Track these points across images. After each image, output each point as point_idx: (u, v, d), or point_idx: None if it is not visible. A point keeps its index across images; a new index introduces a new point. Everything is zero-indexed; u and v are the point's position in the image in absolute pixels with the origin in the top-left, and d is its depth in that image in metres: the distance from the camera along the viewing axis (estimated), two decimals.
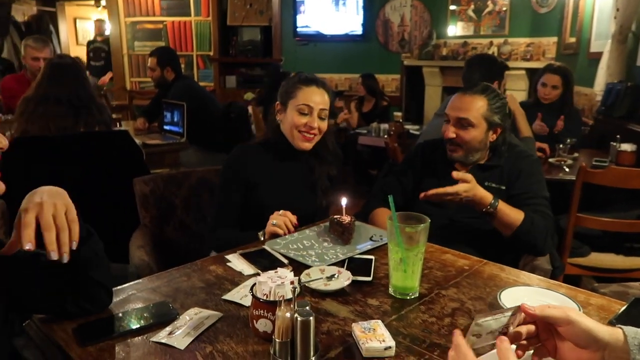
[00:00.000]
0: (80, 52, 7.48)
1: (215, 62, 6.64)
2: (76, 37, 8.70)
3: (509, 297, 1.11)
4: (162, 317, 1.03)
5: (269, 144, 1.76)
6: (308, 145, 1.70)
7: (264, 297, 0.94)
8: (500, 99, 1.76)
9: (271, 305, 0.93)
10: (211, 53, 6.66)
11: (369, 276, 1.23)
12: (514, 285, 1.20)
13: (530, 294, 1.14)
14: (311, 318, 0.86)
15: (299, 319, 0.86)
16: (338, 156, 1.84)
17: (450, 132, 1.74)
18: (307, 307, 0.89)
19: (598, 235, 2.42)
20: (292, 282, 0.96)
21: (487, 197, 1.57)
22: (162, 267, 1.81)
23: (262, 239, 1.53)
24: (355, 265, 1.29)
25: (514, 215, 1.60)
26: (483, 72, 2.56)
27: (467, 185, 1.54)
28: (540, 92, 3.24)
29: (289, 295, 0.94)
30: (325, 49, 6.53)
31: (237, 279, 1.23)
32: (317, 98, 1.68)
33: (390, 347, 0.92)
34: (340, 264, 1.31)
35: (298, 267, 1.28)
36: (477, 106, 1.72)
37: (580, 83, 3.90)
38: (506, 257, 1.78)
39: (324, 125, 1.71)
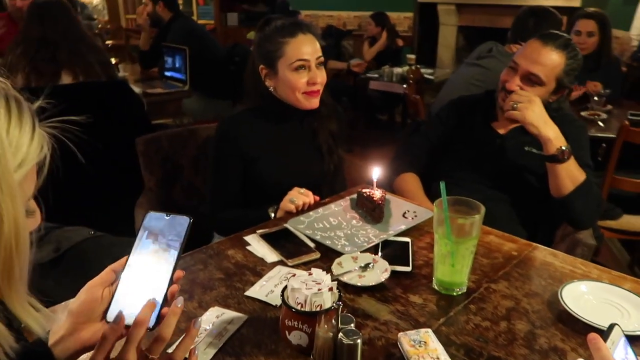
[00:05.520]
0: None
1: None
2: None
3: (571, 296, 0.97)
4: None
5: (261, 110, 1.52)
6: (316, 102, 1.48)
7: (299, 307, 0.81)
8: (577, 59, 1.56)
9: (307, 317, 0.80)
10: None
11: (408, 265, 1.09)
12: (571, 276, 1.07)
13: (594, 291, 1.00)
14: (359, 340, 0.73)
15: (344, 341, 0.73)
16: (335, 108, 1.61)
17: (514, 85, 1.52)
18: (352, 325, 0.76)
19: (631, 196, 2.27)
20: (330, 289, 0.82)
21: (561, 137, 1.43)
22: None
23: (272, 215, 1.38)
24: (390, 250, 1.15)
25: (579, 171, 1.46)
26: (538, 27, 2.24)
27: None
28: (575, 42, 2.89)
29: (328, 304, 0.81)
30: None
31: (259, 267, 1.10)
32: (309, 47, 1.42)
33: None
34: (373, 248, 1.17)
35: (326, 253, 1.14)
36: (554, 63, 1.51)
37: (612, 25, 3.60)
38: (541, 229, 1.66)
39: (324, 74, 1.47)
